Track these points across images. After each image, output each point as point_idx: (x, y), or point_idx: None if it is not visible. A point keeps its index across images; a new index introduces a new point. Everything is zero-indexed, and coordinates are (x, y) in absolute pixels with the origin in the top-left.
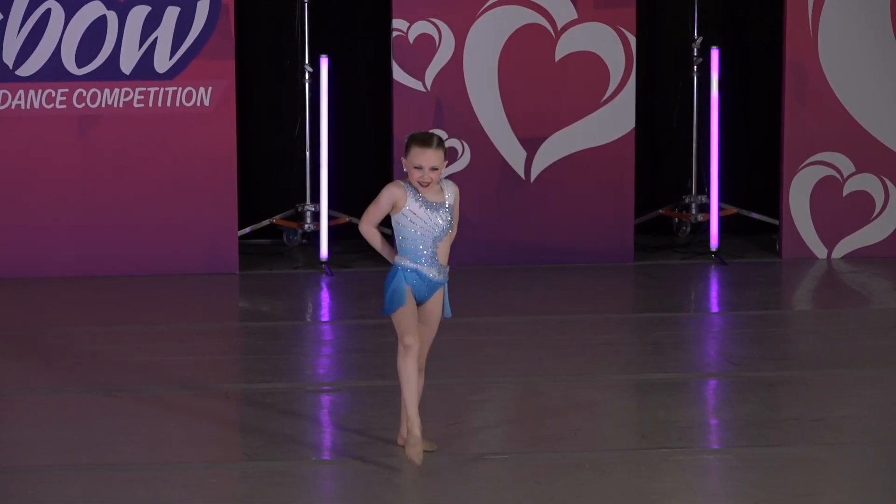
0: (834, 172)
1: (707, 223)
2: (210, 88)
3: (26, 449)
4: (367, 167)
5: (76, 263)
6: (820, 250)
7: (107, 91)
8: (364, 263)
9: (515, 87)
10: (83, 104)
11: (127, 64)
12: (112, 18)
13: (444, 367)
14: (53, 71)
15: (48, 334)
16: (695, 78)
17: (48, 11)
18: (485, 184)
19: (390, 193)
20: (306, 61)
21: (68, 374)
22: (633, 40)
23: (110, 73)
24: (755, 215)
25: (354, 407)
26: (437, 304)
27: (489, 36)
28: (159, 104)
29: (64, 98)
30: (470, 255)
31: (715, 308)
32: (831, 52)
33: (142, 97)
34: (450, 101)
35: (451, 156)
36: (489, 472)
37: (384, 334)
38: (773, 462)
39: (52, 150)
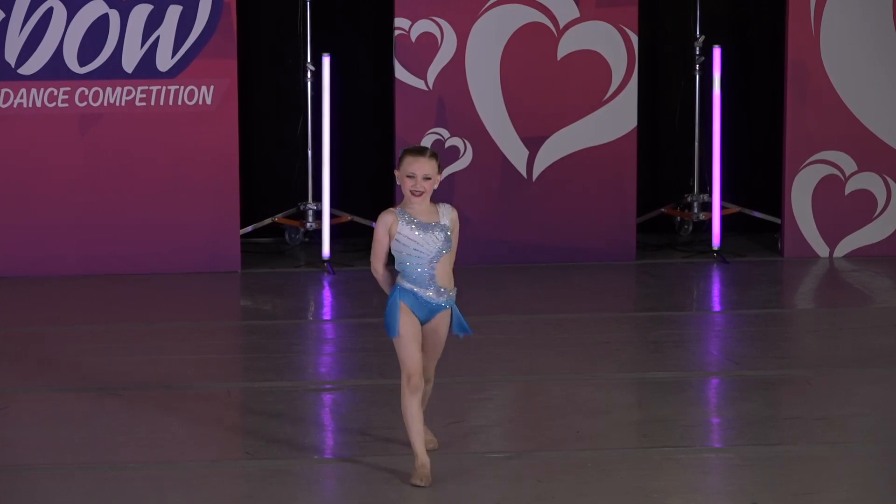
0: (836, 171)
1: (709, 222)
2: (212, 87)
3: (27, 448)
4: (369, 166)
5: (77, 262)
6: (822, 249)
7: (109, 90)
8: (366, 262)
9: (517, 86)
10: (85, 103)
11: (129, 63)
12: (114, 17)
13: (446, 365)
14: (55, 70)
15: (49, 333)
16: (697, 77)
17: (50, 10)
18: (486, 182)
19: (383, 222)
20: (308, 60)
21: (69, 373)
22: (635, 39)
23: (112, 71)
24: (757, 214)
25: (356, 406)
26: (441, 325)
27: (491, 35)
28: (161, 103)
29: (66, 97)
30: (471, 253)
31: (717, 307)
32: (833, 50)
33: (144, 96)
34: (452, 100)
35: (452, 154)
36: (490, 471)
37: (385, 333)
38: (775, 461)
39: (54, 149)
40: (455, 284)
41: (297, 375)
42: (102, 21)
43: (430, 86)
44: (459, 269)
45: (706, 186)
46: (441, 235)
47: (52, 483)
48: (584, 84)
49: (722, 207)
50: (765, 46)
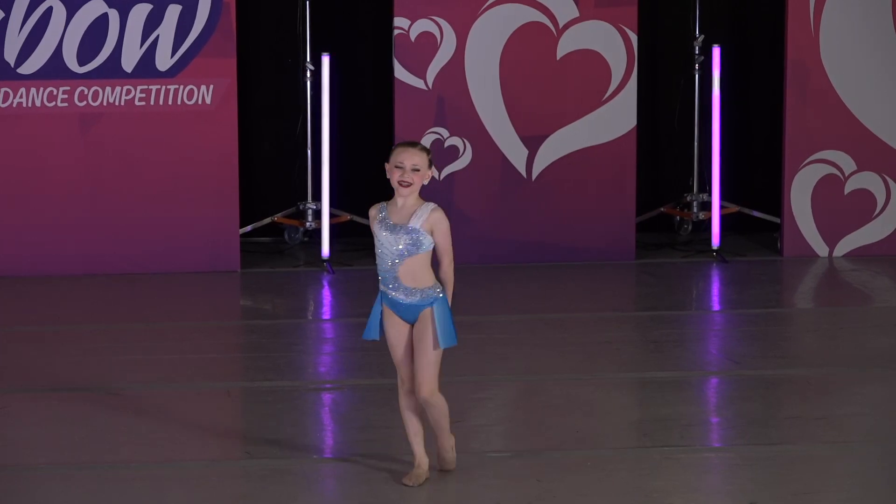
0: (835, 170)
1: (708, 221)
2: (211, 86)
3: (27, 447)
4: (368, 165)
5: (77, 261)
6: (821, 248)
7: (108, 89)
8: (365, 261)
9: (517, 86)
10: (84, 102)
11: (128, 62)
12: (113, 16)
13: (446, 365)
14: (55, 69)
15: (49, 333)
16: (696, 76)
17: (50, 9)
18: (486, 182)
19: (371, 218)
20: (308, 59)
21: (69, 373)
22: (634, 38)
23: (112, 71)
24: (756, 213)
25: (356, 405)
26: (423, 329)
27: (491, 34)
28: (161, 102)
29: (65, 96)
30: (471, 253)
31: (716, 306)
32: (833, 50)
33: (143, 95)
34: (451, 100)
35: (452, 154)
36: (491, 470)
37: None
38: (775, 460)
39: (54, 149)
40: (455, 285)
41: (297, 375)
42: (102, 20)
43: (430, 85)
44: (459, 269)
45: (706, 186)
46: (406, 238)
47: (52, 483)
48: (583, 83)
49: (721, 207)
50: (764, 46)
